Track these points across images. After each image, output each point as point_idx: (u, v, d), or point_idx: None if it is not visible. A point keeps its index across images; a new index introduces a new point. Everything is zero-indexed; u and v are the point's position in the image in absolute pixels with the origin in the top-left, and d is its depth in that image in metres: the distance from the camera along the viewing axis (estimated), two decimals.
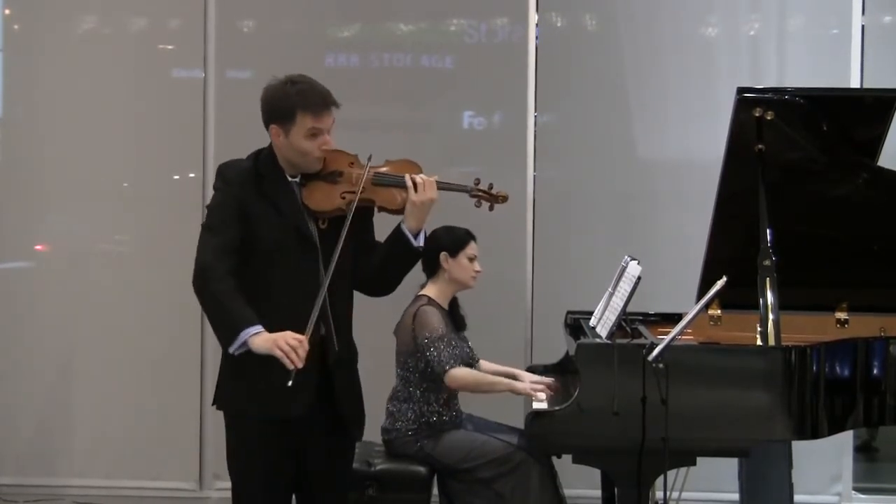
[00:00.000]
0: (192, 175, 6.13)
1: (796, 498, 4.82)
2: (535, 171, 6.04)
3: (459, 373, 4.49)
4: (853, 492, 6.00)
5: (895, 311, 4.74)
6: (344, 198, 3.63)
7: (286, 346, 3.43)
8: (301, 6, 6.18)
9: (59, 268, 6.20)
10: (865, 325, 4.71)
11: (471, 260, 4.64)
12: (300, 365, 3.43)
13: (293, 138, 3.60)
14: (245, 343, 3.49)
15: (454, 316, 4.69)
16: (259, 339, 3.48)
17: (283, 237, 3.60)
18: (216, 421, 6.13)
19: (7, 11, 6.32)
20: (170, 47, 6.24)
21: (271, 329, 3.52)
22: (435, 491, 4.68)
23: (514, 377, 4.69)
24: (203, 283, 3.55)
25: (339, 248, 3.52)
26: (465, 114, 6.14)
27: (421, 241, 3.71)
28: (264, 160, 3.68)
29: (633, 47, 6.05)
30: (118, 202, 6.17)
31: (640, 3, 6.07)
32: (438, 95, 6.14)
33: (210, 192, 6.04)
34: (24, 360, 6.15)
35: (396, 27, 6.21)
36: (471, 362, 4.70)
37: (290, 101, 3.59)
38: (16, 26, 6.35)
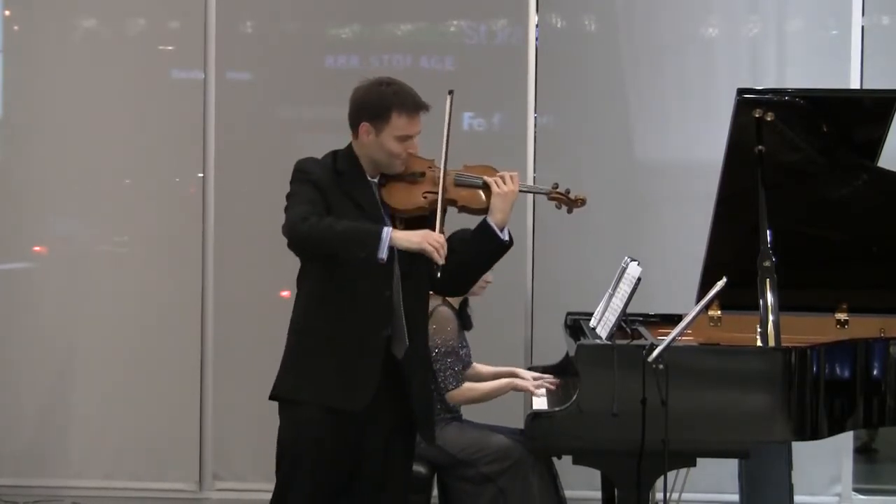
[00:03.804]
0: (191, 177, 6.12)
1: (796, 499, 4.82)
2: (535, 171, 6.04)
3: (459, 392, 4.60)
4: (853, 493, 5.99)
5: (895, 312, 4.74)
6: (426, 197, 3.65)
7: (436, 242, 3.47)
8: (301, 7, 6.18)
9: (59, 269, 6.19)
10: (865, 327, 4.71)
11: None
12: (444, 262, 3.47)
13: (384, 138, 3.62)
14: (389, 243, 3.45)
15: (462, 316, 4.77)
16: (401, 233, 3.50)
17: None
18: (216, 421, 6.19)
19: (7, 13, 6.31)
20: (170, 48, 6.23)
21: (344, 325, 3.56)
22: (435, 492, 4.69)
23: (515, 376, 4.73)
24: (310, 224, 3.46)
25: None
26: (464, 115, 6.12)
27: (506, 236, 3.72)
28: (343, 159, 3.68)
29: (632, 48, 6.04)
30: (118, 203, 6.15)
31: (641, 5, 6.07)
32: (438, 96, 6.11)
33: (209, 194, 6.01)
34: (24, 362, 6.14)
35: (396, 28, 6.21)
36: (468, 362, 4.78)
37: (387, 100, 3.62)
38: (16, 27, 6.34)
